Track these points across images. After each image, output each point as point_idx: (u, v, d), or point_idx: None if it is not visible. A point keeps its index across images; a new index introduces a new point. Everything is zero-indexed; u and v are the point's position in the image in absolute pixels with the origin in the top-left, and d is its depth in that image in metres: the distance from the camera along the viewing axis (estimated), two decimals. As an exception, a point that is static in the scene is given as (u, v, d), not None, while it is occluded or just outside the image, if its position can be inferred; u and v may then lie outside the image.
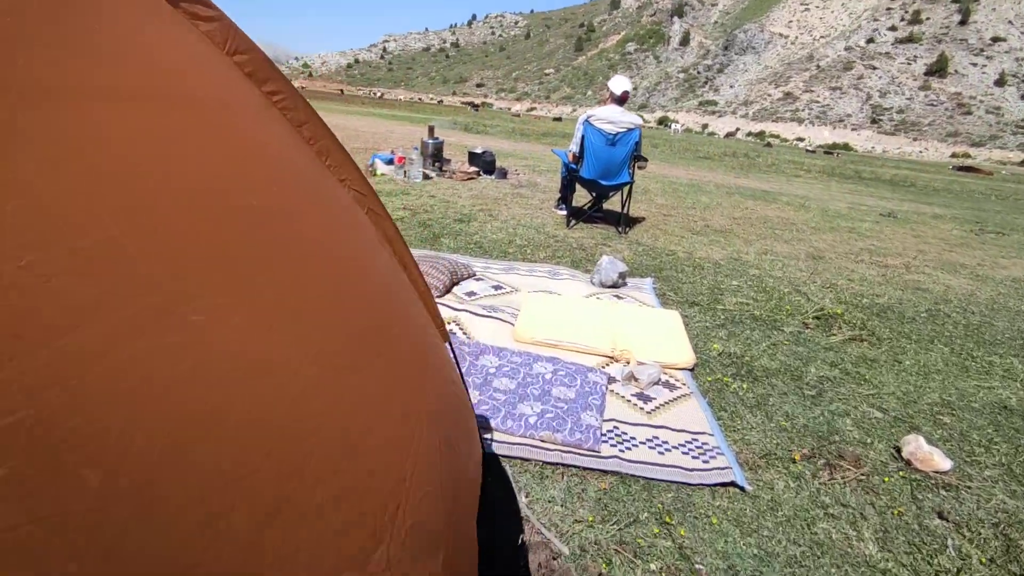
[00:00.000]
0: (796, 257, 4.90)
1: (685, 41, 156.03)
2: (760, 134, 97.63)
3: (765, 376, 2.41)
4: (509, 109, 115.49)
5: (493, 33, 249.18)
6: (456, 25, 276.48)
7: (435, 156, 7.31)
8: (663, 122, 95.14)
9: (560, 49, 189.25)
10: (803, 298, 3.63)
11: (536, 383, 2.05)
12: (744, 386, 2.29)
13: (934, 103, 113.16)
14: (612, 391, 2.11)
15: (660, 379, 2.21)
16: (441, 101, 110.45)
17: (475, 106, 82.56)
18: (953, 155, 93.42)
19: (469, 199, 5.88)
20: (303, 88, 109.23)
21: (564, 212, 5.38)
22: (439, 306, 2.46)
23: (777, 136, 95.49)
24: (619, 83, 4.84)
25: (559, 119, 65.10)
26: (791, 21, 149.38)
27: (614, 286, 3.35)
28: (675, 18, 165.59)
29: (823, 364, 2.61)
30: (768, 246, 5.24)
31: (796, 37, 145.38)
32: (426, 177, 6.83)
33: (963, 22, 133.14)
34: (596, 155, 4.82)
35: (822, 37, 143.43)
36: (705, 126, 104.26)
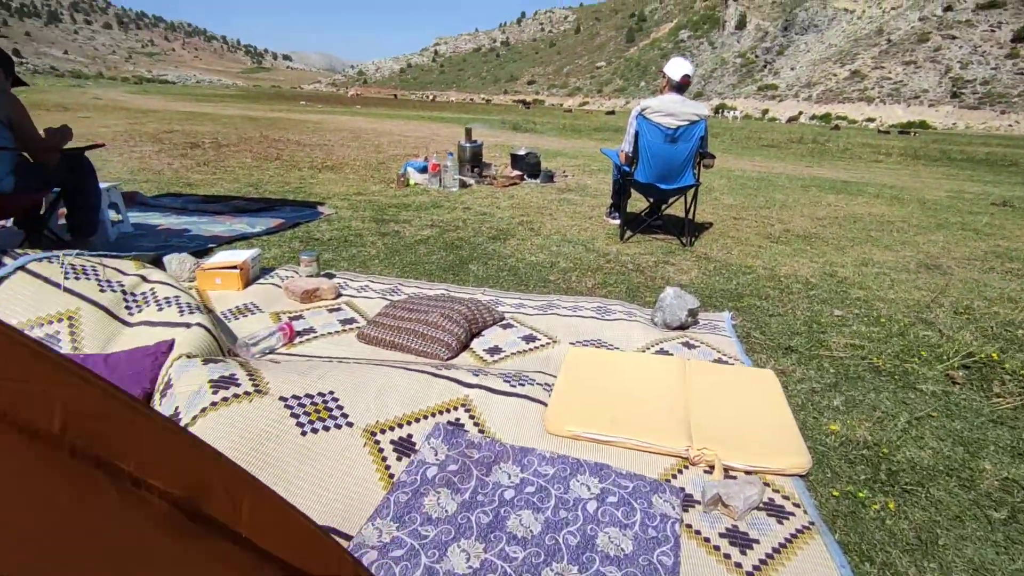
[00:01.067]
0: (906, 268, 3.98)
1: (741, 24, 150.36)
2: (825, 116, 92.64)
3: (918, 483, 1.63)
4: (561, 105, 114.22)
5: (543, 29, 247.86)
6: (505, 24, 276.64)
7: (473, 161, 6.69)
8: (719, 110, 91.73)
9: (611, 41, 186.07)
10: (934, 332, 2.77)
11: (574, 520, 1.36)
12: (891, 506, 1.53)
13: (1023, 72, 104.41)
14: (689, 528, 1.39)
15: (761, 501, 1.48)
16: (489, 100, 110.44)
17: (526, 104, 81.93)
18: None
19: (509, 209, 5.21)
20: (358, 95, 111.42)
21: (617, 221, 4.63)
22: (446, 377, 1.81)
23: (844, 118, 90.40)
24: (678, 66, 4.06)
25: (612, 112, 63.67)
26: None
27: (682, 327, 2.61)
28: (730, 1, 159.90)
29: (1001, 453, 1.80)
30: (867, 254, 4.33)
31: (863, 11, 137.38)
32: (463, 185, 6.21)
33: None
34: (653, 154, 4.06)
35: (892, 9, 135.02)
36: (765, 111, 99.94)
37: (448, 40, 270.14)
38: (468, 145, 6.61)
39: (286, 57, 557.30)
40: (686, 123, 3.95)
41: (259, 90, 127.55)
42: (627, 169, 4.25)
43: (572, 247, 4.02)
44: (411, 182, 6.16)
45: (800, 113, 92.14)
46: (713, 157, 4.35)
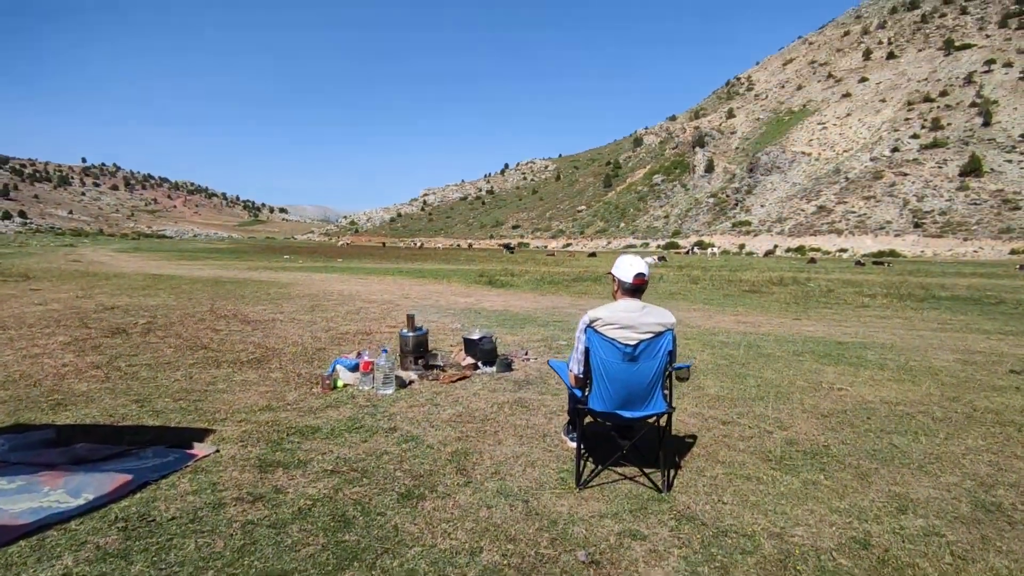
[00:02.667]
0: (959, 516, 2.95)
1: (710, 168, 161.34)
2: (800, 249, 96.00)
3: None
4: (545, 247, 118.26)
5: (525, 178, 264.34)
6: (490, 174, 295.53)
7: (417, 352, 5.81)
8: (700, 245, 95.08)
9: (590, 187, 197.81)
10: None
11: None
12: None
13: (976, 202, 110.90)
14: None
15: None
16: (471, 245, 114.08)
17: (510, 248, 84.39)
18: (1012, 252, 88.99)
19: (446, 426, 4.22)
20: (348, 244, 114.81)
21: (575, 444, 3.63)
22: None
23: (818, 249, 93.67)
24: (628, 266, 3.30)
25: (594, 254, 65.32)
26: (811, 140, 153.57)
27: None
28: (697, 148, 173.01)
29: None
30: (900, 486, 3.31)
31: (819, 154, 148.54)
32: (401, 385, 5.27)
33: (986, 123, 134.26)
34: (611, 377, 3.17)
35: (845, 151, 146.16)
36: (742, 246, 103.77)
37: (436, 190, 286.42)
38: (411, 335, 5.77)
39: (282, 210, 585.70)
40: (648, 336, 3.11)
41: (252, 242, 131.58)
42: (579, 394, 3.35)
43: (508, 508, 2.98)
44: (340, 383, 5.21)
45: (776, 247, 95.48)
46: (687, 372, 3.47)
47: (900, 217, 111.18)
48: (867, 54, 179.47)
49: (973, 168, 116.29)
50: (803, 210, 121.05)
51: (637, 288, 3.23)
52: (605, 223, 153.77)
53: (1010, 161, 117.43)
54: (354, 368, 5.32)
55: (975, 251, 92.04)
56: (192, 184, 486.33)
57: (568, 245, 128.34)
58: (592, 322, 3.16)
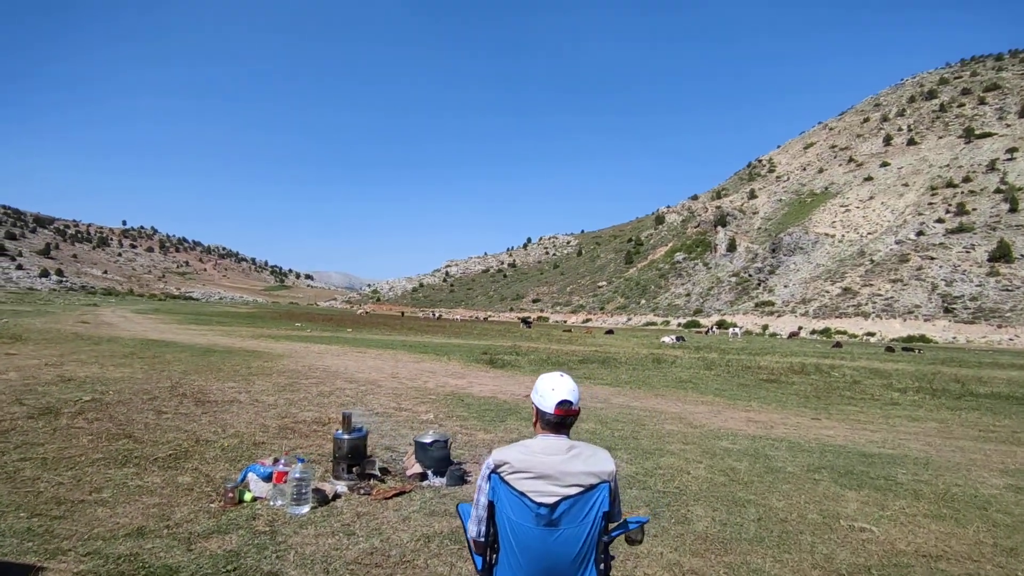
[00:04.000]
0: None
1: (732, 247, 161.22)
2: (825, 331, 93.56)
3: None
4: (565, 322, 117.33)
5: (547, 252, 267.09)
6: (513, 248, 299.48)
7: (352, 459, 4.91)
8: (722, 324, 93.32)
9: (611, 263, 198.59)
10: None
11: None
12: None
13: (1008, 288, 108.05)
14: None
15: None
16: (487, 318, 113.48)
17: (527, 322, 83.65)
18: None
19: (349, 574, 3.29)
20: (367, 312, 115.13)
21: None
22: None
23: (844, 332, 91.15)
24: (550, 390, 2.37)
25: (611, 331, 64.16)
26: (834, 222, 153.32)
27: None
28: (719, 227, 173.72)
29: None
30: None
31: (843, 236, 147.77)
32: (322, 501, 4.35)
33: (1013, 209, 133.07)
34: (521, 546, 2.25)
35: (869, 234, 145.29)
36: (765, 327, 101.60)
37: (458, 262, 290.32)
38: (345, 437, 4.90)
39: (308, 276, 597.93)
40: (575, 491, 2.22)
41: (274, 307, 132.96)
42: (479, 565, 2.43)
43: None
44: (248, 496, 4.32)
45: (800, 328, 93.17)
46: (640, 535, 2.54)
47: (929, 301, 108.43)
48: (887, 140, 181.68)
49: (1003, 254, 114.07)
50: (828, 291, 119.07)
51: (562, 422, 2.37)
52: (626, 299, 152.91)
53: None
54: (268, 477, 4.44)
55: (1011, 339, 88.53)
56: (223, 248, 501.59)
57: (588, 320, 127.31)
58: (498, 467, 2.29)
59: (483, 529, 2.35)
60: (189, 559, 3.34)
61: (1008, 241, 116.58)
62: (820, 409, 11.09)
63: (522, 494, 2.22)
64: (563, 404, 2.35)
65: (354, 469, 4.90)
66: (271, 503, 4.27)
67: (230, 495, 4.22)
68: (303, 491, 4.18)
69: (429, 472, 5.15)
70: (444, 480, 5.06)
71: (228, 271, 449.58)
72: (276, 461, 4.57)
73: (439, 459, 5.18)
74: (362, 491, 4.66)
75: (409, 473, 5.12)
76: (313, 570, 3.30)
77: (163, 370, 11.50)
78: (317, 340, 24.59)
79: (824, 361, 25.12)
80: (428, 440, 5.33)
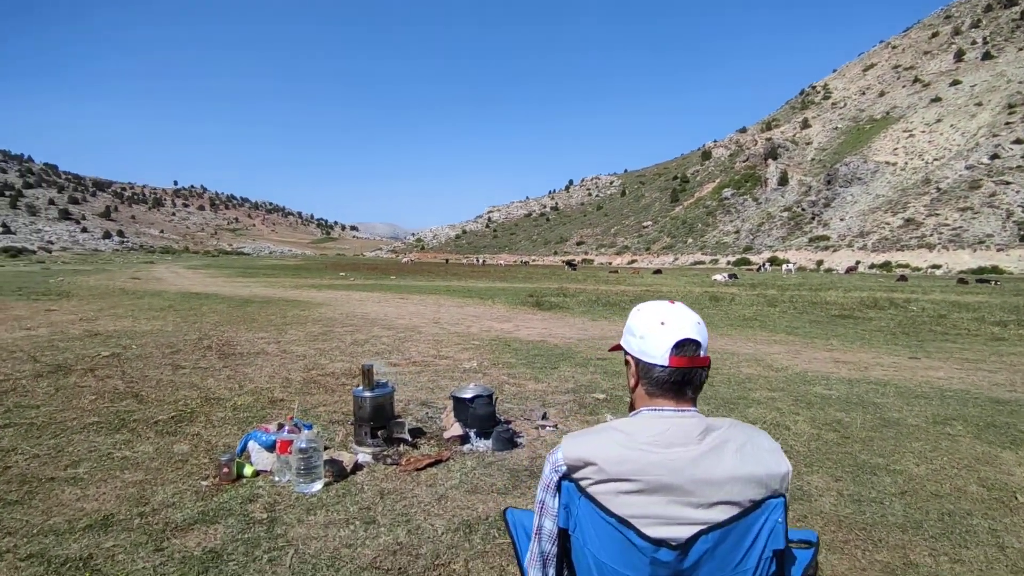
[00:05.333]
0: None
1: (783, 181, 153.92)
2: (885, 265, 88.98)
3: None
4: (609, 263, 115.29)
5: (590, 194, 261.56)
6: (555, 191, 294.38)
7: (375, 420, 4.03)
8: (774, 261, 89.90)
9: (656, 202, 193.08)
10: None
11: None
12: None
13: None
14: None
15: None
16: (526, 263, 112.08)
17: (572, 265, 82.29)
18: None
19: (357, 584, 2.42)
20: (412, 261, 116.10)
21: None
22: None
23: (906, 265, 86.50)
24: (659, 325, 1.35)
25: (659, 271, 62.41)
26: (896, 148, 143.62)
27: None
28: (769, 160, 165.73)
29: None
30: None
31: (906, 163, 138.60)
32: (339, 475, 3.50)
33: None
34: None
35: (935, 160, 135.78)
36: (820, 263, 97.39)
37: (500, 208, 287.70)
38: (367, 395, 4.00)
39: (353, 228, 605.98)
40: (725, 516, 1.20)
41: (322, 259, 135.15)
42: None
43: None
44: (249, 470, 3.50)
45: (858, 263, 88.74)
46: (814, 568, 1.51)
47: (1003, 230, 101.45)
48: (959, 55, 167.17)
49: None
50: (888, 223, 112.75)
51: (685, 380, 1.34)
52: (672, 239, 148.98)
53: None
54: (271, 447, 3.60)
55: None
56: (270, 203, 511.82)
57: (633, 262, 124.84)
58: (574, 470, 1.28)
59: (551, 574, 1.37)
60: (153, 565, 2.51)
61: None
62: (914, 347, 9.73)
63: (624, 522, 1.21)
64: (684, 347, 1.30)
65: (379, 433, 4.03)
66: (275, 479, 3.44)
67: (225, 470, 3.40)
68: (312, 464, 3.33)
69: (471, 433, 4.25)
70: (489, 443, 4.15)
71: (276, 225, 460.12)
72: (280, 427, 3.73)
73: (483, 417, 4.26)
74: (389, 460, 3.79)
75: (447, 436, 4.23)
76: (314, 580, 2.44)
77: (195, 322, 10.98)
78: (360, 288, 24.14)
79: (895, 295, 23.19)
80: (468, 395, 4.40)
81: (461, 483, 3.51)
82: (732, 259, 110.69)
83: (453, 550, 2.73)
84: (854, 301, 18.83)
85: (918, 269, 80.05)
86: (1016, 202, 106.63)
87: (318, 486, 3.34)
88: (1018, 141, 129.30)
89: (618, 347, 1.51)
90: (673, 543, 1.16)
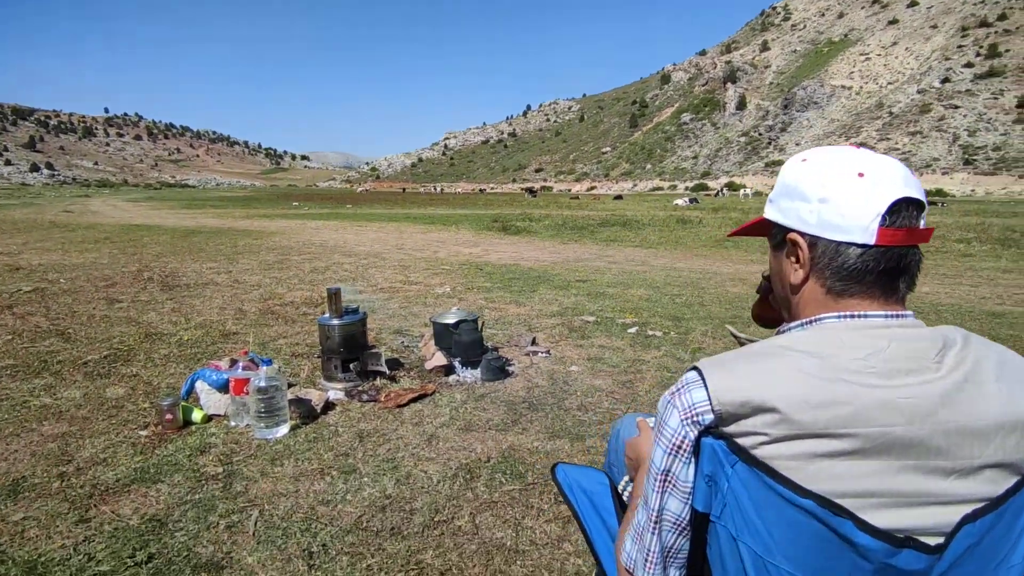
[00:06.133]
0: None
1: (742, 105, 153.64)
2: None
3: None
4: (569, 190, 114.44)
5: (548, 120, 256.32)
6: (512, 116, 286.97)
7: (347, 351, 3.48)
8: (731, 186, 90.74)
9: (615, 127, 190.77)
10: None
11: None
12: None
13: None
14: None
15: None
16: (483, 190, 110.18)
17: (532, 191, 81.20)
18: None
19: (339, 557, 1.94)
20: (368, 190, 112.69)
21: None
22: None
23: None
24: (855, 173, 0.80)
25: (620, 197, 62.13)
26: (852, 72, 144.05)
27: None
28: (728, 84, 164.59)
29: None
30: None
31: (861, 87, 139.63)
32: (308, 415, 2.98)
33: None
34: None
35: (889, 84, 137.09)
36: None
37: (457, 134, 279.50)
38: (336, 323, 3.42)
39: (304, 157, 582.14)
40: (1001, 491, 0.71)
41: (272, 190, 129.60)
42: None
43: None
44: (197, 416, 2.93)
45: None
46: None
47: (949, 154, 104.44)
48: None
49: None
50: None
51: (899, 264, 0.80)
52: (631, 165, 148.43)
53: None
54: (223, 387, 3.03)
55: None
56: (214, 133, 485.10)
57: (593, 188, 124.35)
58: (729, 422, 0.75)
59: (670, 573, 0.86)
60: (75, 542, 1.97)
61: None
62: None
63: (829, 506, 0.69)
64: (901, 212, 0.77)
65: (352, 366, 3.49)
66: (231, 424, 2.90)
67: (168, 416, 2.83)
68: (275, 405, 2.78)
69: (456, 363, 3.76)
70: (478, 373, 3.67)
71: (222, 156, 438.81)
72: (234, 363, 3.14)
73: (469, 345, 3.75)
74: (365, 397, 3.28)
75: (429, 366, 3.73)
76: (285, 552, 1.94)
77: (134, 254, 10.03)
78: (315, 217, 22.97)
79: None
80: (452, 320, 3.88)
81: (452, 420, 3.04)
82: (690, 184, 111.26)
83: (454, 502, 2.27)
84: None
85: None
86: (962, 126, 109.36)
87: (283, 430, 2.81)
88: (968, 64, 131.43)
89: (748, 228, 0.99)
90: (923, 539, 0.67)
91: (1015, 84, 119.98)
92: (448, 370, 3.71)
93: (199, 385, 3.05)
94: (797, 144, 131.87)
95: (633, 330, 4.88)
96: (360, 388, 3.37)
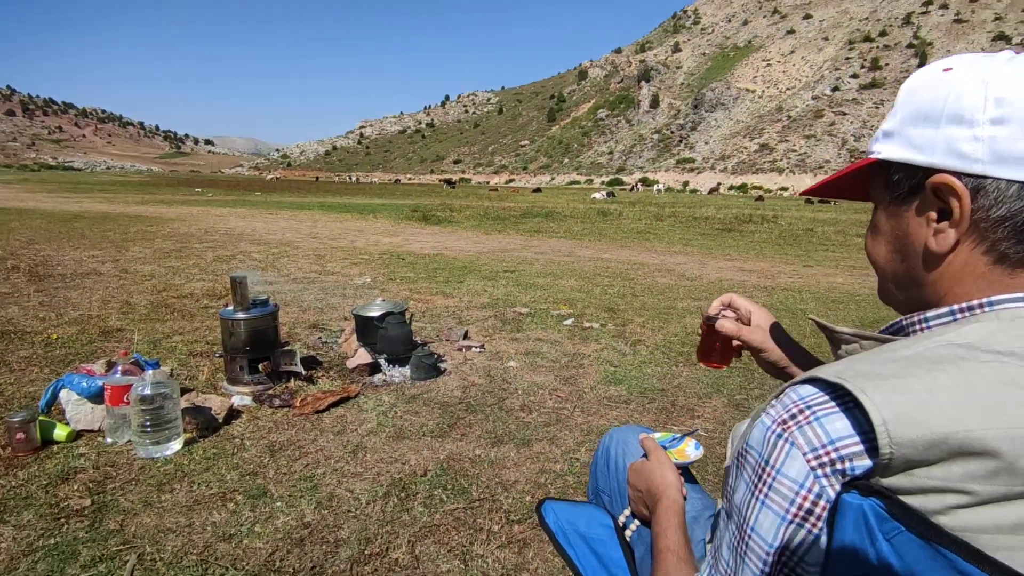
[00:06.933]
0: None
1: (655, 103, 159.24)
2: (743, 186, 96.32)
3: None
4: (488, 183, 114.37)
5: (466, 111, 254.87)
6: (430, 106, 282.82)
7: (253, 349, 3.00)
8: (645, 181, 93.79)
9: (533, 121, 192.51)
10: None
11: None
12: None
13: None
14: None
15: None
16: (398, 181, 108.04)
17: (451, 183, 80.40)
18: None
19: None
20: (279, 178, 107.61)
21: None
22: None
23: (760, 187, 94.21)
24: None
25: (539, 190, 62.57)
26: (755, 77, 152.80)
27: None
28: (642, 82, 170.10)
29: None
30: None
31: (763, 91, 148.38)
32: (207, 426, 2.51)
33: (921, 65, 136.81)
34: None
35: (788, 89, 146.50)
36: (686, 184, 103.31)
37: (373, 123, 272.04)
38: (241, 317, 2.94)
39: (208, 142, 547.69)
40: None
41: (172, 175, 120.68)
42: None
43: None
44: (60, 434, 2.38)
45: (719, 184, 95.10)
46: None
47: (839, 156, 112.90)
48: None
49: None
50: (746, 147, 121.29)
51: None
52: (549, 159, 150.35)
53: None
54: (96, 396, 2.49)
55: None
56: (103, 111, 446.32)
57: (511, 180, 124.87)
58: (901, 470, 0.46)
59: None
60: None
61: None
62: (802, 256, 10.04)
63: None
64: None
65: (261, 366, 3.02)
66: (107, 441, 2.38)
67: (20, 435, 2.26)
68: (164, 416, 2.30)
69: (382, 361, 3.37)
70: (407, 371, 3.30)
71: (113, 137, 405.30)
72: (111, 367, 2.61)
73: (396, 340, 3.37)
74: (277, 402, 2.83)
75: (351, 365, 3.31)
76: (171, 610, 1.52)
77: None
78: (220, 204, 21.38)
79: (761, 212, 24.68)
80: (376, 312, 3.48)
81: (380, 426, 2.66)
82: (606, 179, 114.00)
83: (388, 528, 1.91)
84: (730, 217, 19.64)
85: (769, 191, 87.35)
86: (850, 131, 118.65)
87: (175, 447, 2.33)
88: (854, 75, 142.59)
89: (839, 181, 0.71)
90: None
91: (893, 95, 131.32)
92: (373, 369, 3.31)
93: (64, 394, 2.49)
94: (706, 143, 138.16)
95: (569, 322, 4.65)
96: (271, 392, 2.92)
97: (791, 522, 0.51)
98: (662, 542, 0.81)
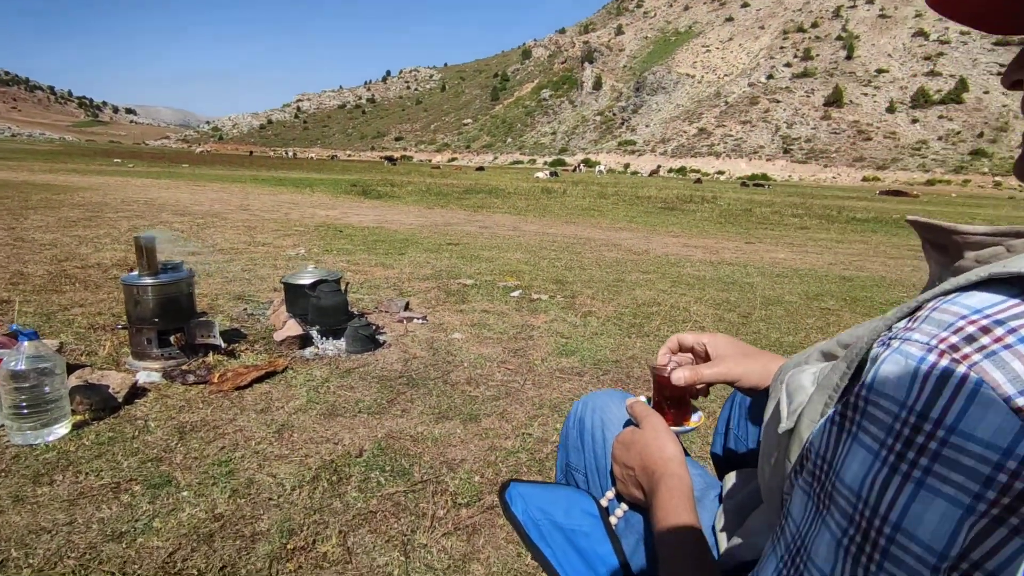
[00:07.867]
0: None
1: (598, 85, 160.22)
2: (681, 169, 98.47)
3: None
4: (430, 161, 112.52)
5: (408, 87, 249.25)
6: (371, 81, 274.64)
7: (163, 321, 2.64)
8: (587, 163, 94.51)
9: (476, 99, 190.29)
10: None
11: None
12: None
13: (836, 131, 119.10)
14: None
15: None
16: (335, 157, 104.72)
17: (392, 160, 78.58)
18: (864, 179, 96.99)
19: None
20: (209, 151, 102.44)
21: None
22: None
23: (698, 170, 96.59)
24: None
25: (482, 168, 62.04)
26: (695, 62, 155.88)
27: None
28: (586, 64, 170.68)
29: None
30: None
31: (702, 76, 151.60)
32: (102, 407, 2.16)
33: (848, 57, 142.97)
34: None
35: (725, 75, 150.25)
36: (627, 165, 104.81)
37: (311, 96, 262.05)
38: (149, 283, 2.57)
39: (130, 111, 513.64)
40: None
41: (89, 145, 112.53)
42: None
43: None
44: (-78, 413, 1.99)
45: (659, 167, 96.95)
46: None
47: (772, 143, 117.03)
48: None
49: (835, 99, 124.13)
50: (685, 131, 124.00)
51: None
52: (492, 138, 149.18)
53: (866, 94, 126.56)
54: (-36, 373, 2.09)
55: (834, 177, 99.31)
56: (6, 74, 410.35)
57: (454, 159, 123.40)
58: None
59: None
60: None
61: (841, 87, 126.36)
62: (743, 233, 10.21)
63: None
64: None
65: (173, 339, 2.66)
66: (-20, 424, 2.00)
67: None
68: (45, 397, 1.94)
69: (314, 332, 3.06)
70: (342, 343, 3.01)
71: (19, 102, 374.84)
72: (-17, 338, 2.20)
73: (330, 310, 3.07)
74: (192, 378, 2.49)
75: (279, 337, 2.99)
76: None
77: None
78: (141, 175, 19.96)
79: (700, 193, 25.22)
80: (308, 280, 3.16)
81: (310, 403, 2.38)
82: (549, 159, 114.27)
83: (316, 516, 1.65)
84: (672, 197, 19.91)
85: (707, 174, 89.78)
86: (783, 119, 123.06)
87: (60, 431, 1.99)
88: (788, 64, 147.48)
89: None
90: None
91: (822, 85, 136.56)
92: (304, 341, 3.00)
93: (-77, 370, 2.08)
94: (647, 126, 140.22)
95: (517, 293, 4.44)
96: (185, 367, 2.58)
97: (982, 515, 0.30)
98: (669, 534, 0.61)
